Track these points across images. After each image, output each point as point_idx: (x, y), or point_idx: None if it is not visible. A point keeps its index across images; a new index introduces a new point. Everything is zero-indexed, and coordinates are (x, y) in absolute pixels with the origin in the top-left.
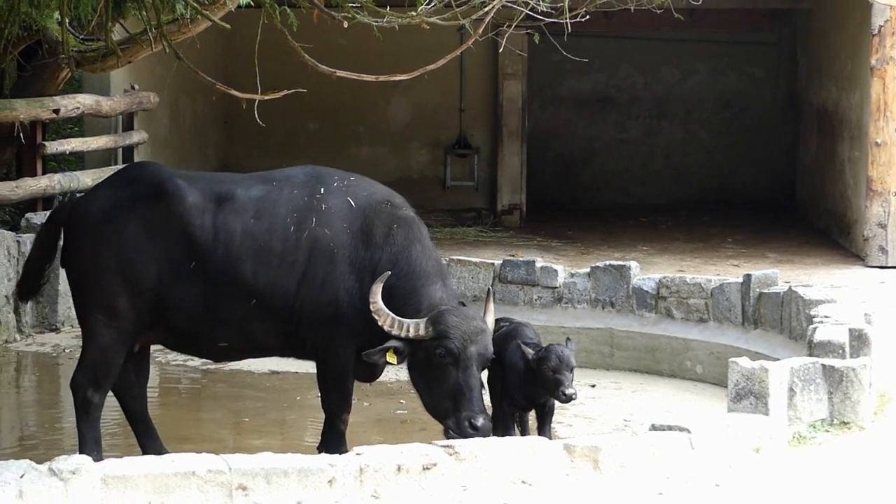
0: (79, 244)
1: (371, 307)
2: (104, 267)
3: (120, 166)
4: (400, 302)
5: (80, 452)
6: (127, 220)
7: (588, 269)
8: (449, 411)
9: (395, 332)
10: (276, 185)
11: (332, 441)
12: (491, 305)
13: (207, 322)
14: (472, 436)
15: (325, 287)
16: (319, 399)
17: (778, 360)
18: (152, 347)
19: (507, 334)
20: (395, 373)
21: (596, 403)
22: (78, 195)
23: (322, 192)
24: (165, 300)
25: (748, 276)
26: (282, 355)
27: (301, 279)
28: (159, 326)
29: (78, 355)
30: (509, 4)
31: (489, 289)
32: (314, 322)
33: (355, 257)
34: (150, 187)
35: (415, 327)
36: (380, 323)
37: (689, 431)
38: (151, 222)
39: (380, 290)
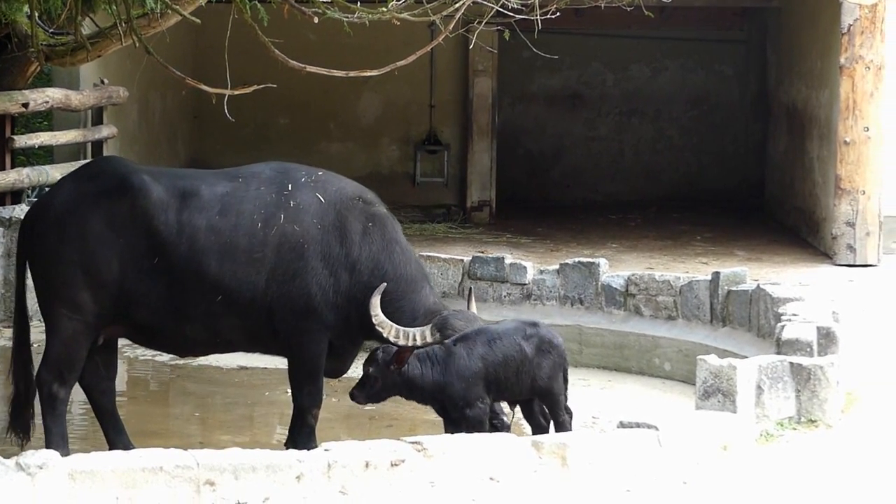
0: (42, 237)
1: (373, 320)
2: (67, 260)
3: (89, 161)
4: (391, 308)
5: (47, 448)
6: (91, 214)
7: (557, 266)
8: None
9: (401, 342)
10: (242, 182)
11: (302, 436)
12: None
13: (172, 317)
14: None
15: (296, 282)
16: (289, 395)
17: (746, 357)
18: (120, 342)
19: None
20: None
21: None
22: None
23: (290, 188)
24: (128, 295)
25: (717, 274)
26: (248, 351)
27: (270, 275)
28: (123, 320)
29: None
30: (480, 1)
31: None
32: (286, 316)
33: (328, 253)
34: (115, 181)
35: (420, 335)
36: (384, 335)
37: (656, 429)
38: (115, 216)
39: (378, 301)
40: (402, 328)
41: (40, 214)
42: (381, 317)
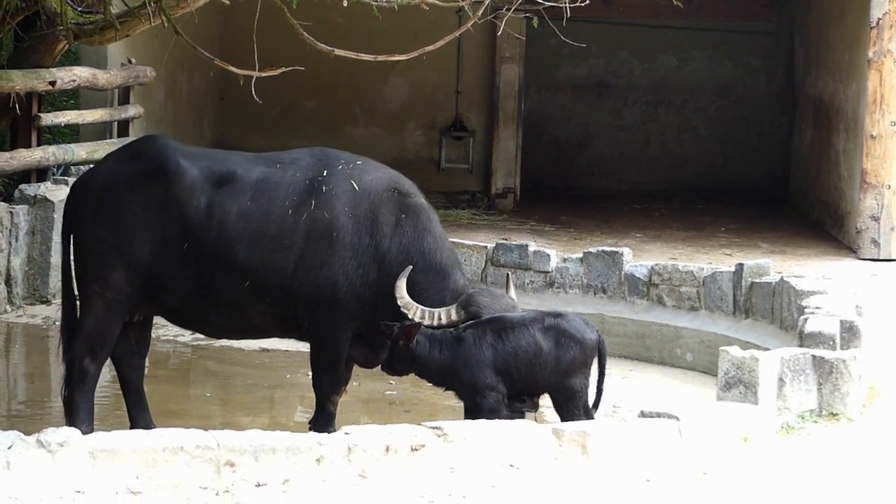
0: (81, 214)
1: (398, 302)
2: (102, 238)
3: (114, 140)
4: (421, 296)
5: (72, 423)
6: (127, 195)
7: (581, 255)
8: None
9: (426, 322)
10: (279, 168)
11: (322, 421)
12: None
13: (200, 303)
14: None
15: (323, 270)
16: (310, 378)
17: (768, 349)
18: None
19: None
20: None
21: None
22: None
23: (325, 174)
24: (158, 279)
25: (740, 266)
26: (279, 337)
27: (298, 262)
28: (153, 302)
29: None
30: None
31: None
32: (311, 304)
33: (357, 242)
34: (154, 164)
35: (446, 314)
36: (409, 315)
37: (677, 419)
38: (150, 200)
39: (404, 284)
40: (427, 309)
41: (81, 191)
42: (406, 298)
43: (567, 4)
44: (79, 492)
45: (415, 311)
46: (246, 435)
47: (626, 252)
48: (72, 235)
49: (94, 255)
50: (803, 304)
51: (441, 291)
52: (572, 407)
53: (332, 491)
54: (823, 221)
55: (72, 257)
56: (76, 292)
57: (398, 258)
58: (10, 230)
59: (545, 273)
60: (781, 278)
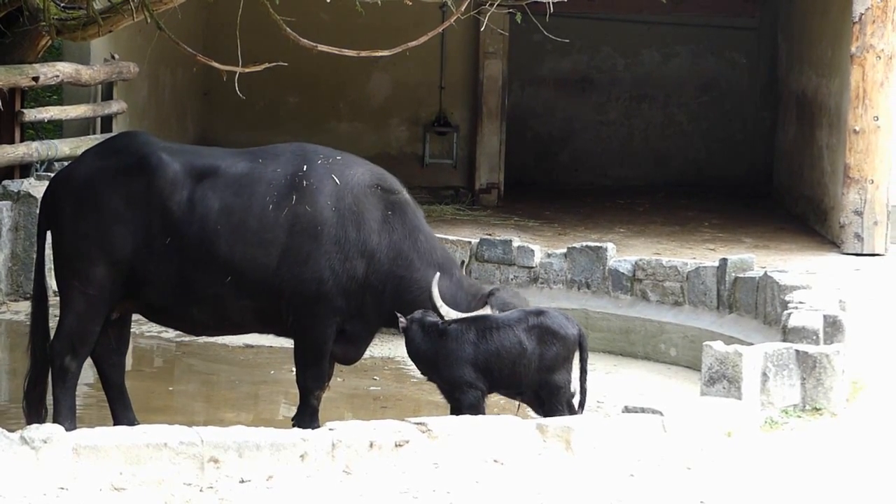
0: (60, 210)
1: (440, 311)
2: (82, 234)
3: (98, 136)
4: (425, 295)
5: (55, 421)
6: (108, 190)
7: (564, 250)
8: None
9: None
10: (260, 162)
11: (305, 417)
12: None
13: (181, 299)
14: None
15: (308, 264)
16: (294, 374)
17: (752, 344)
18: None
19: None
20: (369, 349)
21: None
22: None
23: (305, 168)
24: (139, 274)
25: (724, 261)
26: (260, 332)
27: (282, 256)
28: (134, 298)
29: (51, 324)
30: None
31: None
32: (296, 299)
33: (343, 237)
34: (134, 159)
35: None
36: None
37: (661, 414)
38: (131, 195)
39: (438, 292)
40: (457, 314)
41: (60, 187)
42: (446, 307)
43: (550, 0)
44: (62, 488)
45: (447, 315)
46: (230, 431)
47: (610, 247)
48: (49, 232)
49: (75, 251)
50: (787, 298)
51: (450, 290)
52: (555, 402)
53: (316, 487)
54: (807, 216)
55: (47, 254)
56: (51, 289)
57: (389, 255)
58: None
59: (529, 268)
60: (765, 273)
